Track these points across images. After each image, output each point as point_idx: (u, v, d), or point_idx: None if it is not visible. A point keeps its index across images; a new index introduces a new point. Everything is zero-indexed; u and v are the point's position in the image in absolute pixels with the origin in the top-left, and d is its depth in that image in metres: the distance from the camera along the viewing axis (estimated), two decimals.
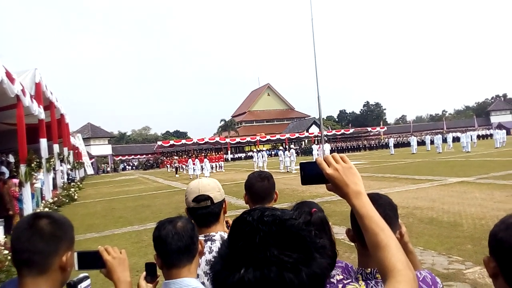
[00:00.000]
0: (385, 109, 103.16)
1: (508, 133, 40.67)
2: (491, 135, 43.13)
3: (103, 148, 63.59)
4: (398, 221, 1.55)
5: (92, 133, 62.84)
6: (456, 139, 38.86)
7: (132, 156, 71.88)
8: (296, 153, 42.67)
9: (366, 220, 1.00)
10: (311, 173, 1.07)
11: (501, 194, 10.12)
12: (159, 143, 62.55)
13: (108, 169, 62.06)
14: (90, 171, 50.20)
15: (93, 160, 56.66)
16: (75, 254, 1.41)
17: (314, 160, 1.08)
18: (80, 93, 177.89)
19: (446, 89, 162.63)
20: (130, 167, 66.74)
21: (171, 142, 62.87)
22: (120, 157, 69.91)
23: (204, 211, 1.84)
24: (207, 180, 1.95)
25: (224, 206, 1.94)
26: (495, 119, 73.09)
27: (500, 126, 51.77)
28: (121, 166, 66.19)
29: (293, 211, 0.75)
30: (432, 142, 36.89)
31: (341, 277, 1.48)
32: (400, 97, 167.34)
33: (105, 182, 34.57)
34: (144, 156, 69.67)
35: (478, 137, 46.50)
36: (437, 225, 7.56)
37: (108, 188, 26.44)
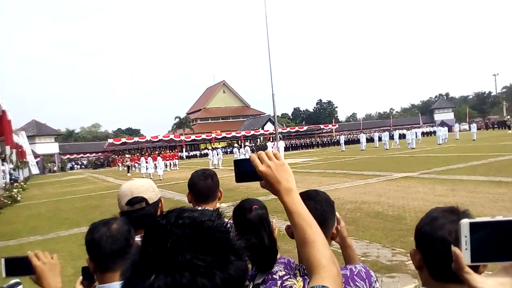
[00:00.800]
0: (337, 107, 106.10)
1: (450, 130, 43.16)
2: (434, 132, 45.67)
3: (50, 147, 60.67)
4: (335, 216, 1.61)
5: (37, 130, 59.75)
6: (402, 136, 40.74)
7: (81, 155, 69.20)
8: (251, 150, 43.01)
9: (295, 216, 1.00)
10: (245, 170, 1.06)
11: (442, 188, 10.75)
12: (110, 140, 60.49)
13: (55, 168, 59.28)
14: (35, 170, 47.80)
15: (38, 159, 53.97)
16: (2, 261, 1.34)
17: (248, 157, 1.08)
18: (25, 88, 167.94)
19: (394, 88, 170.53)
20: (78, 166, 64.24)
21: (123, 139, 61.02)
22: (68, 156, 67.03)
23: (139, 214, 1.79)
24: (140, 181, 1.90)
25: (160, 205, 1.89)
26: (438, 116, 77.39)
27: (442, 124, 54.84)
28: (69, 165, 63.53)
29: (213, 211, 0.71)
30: (380, 139, 38.52)
31: (283, 273, 1.51)
32: (351, 95, 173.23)
33: (51, 182, 33.03)
34: (94, 154, 67.27)
35: (423, 134, 49.12)
36: (383, 219, 7.91)
37: (55, 188, 25.30)
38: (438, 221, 1.18)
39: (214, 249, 0.63)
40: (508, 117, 53.61)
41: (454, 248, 0.73)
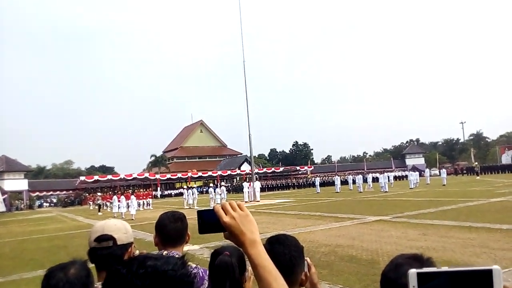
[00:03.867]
0: (312, 149, 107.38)
1: (421, 175, 44.15)
2: (406, 176, 46.63)
3: (18, 183, 58.51)
4: (305, 261, 1.63)
5: (6, 166, 57.79)
6: (375, 179, 41.40)
7: (51, 192, 66.88)
8: (227, 190, 42.67)
9: (260, 269, 0.98)
10: (209, 221, 1.05)
11: (414, 232, 10.88)
12: (82, 178, 58.87)
13: (22, 206, 56.84)
14: (1, 208, 45.84)
15: (5, 196, 51.81)
16: None
17: (212, 207, 1.07)
18: None
19: (367, 133, 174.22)
20: (48, 204, 61.87)
21: (96, 177, 59.59)
22: (38, 193, 64.64)
23: (104, 252, 1.73)
24: (115, 221, 1.88)
25: (130, 250, 1.84)
26: (409, 161, 79.33)
27: (414, 168, 56.08)
28: (38, 203, 61.12)
29: (178, 259, 0.70)
30: (354, 182, 39.03)
31: None
32: (326, 138, 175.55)
33: (18, 220, 31.72)
34: (65, 192, 65.12)
35: (395, 178, 50.03)
36: (357, 263, 7.89)
37: (21, 227, 24.29)
38: (402, 268, 1.19)
39: None
40: (476, 163, 55.49)
41: None
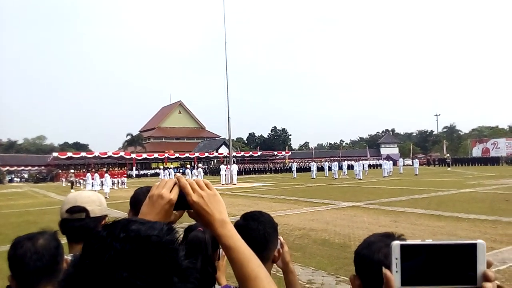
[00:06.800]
0: (290, 135, 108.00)
1: (394, 164, 45.14)
2: (380, 165, 47.58)
3: None
4: (278, 239, 1.62)
5: None
6: (350, 167, 42.10)
7: (23, 168, 65.30)
8: (204, 172, 42.57)
9: (233, 251, 0.92)
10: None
11: (386, 219, 11.15)
12: (55, 154, 57.44)
13: None
14: None
15: None
16: None
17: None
18: None
19: (344, 121, 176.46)
20: (19, 180, 60.38)
21: (69, 154, 58.20)
22: (8, 168, 62.89)
23: (76, 224, 1.66)
24: (88, 193, 1.80)
25: (103, 223, 1.79)
26: (384, 150, 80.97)
27: (388, 158, 57.25)
28: (8, 177, 59.55)
29: (165, 225, 0.63)
30: (329, 168, 39.61)
31: None
32: (304, 125, 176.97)
33: None
34: (37, 168, 63.61)
35: (370, 166, 51.02)
36: (329, 246, 8.04)
37: None
38: (374, 245, 1.18)
39: (157, 269, 0.57)
40: (448, 155, 57.16)
41: (385, 270, 0.70)
